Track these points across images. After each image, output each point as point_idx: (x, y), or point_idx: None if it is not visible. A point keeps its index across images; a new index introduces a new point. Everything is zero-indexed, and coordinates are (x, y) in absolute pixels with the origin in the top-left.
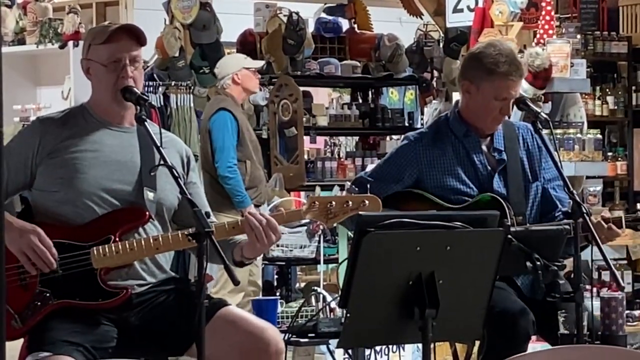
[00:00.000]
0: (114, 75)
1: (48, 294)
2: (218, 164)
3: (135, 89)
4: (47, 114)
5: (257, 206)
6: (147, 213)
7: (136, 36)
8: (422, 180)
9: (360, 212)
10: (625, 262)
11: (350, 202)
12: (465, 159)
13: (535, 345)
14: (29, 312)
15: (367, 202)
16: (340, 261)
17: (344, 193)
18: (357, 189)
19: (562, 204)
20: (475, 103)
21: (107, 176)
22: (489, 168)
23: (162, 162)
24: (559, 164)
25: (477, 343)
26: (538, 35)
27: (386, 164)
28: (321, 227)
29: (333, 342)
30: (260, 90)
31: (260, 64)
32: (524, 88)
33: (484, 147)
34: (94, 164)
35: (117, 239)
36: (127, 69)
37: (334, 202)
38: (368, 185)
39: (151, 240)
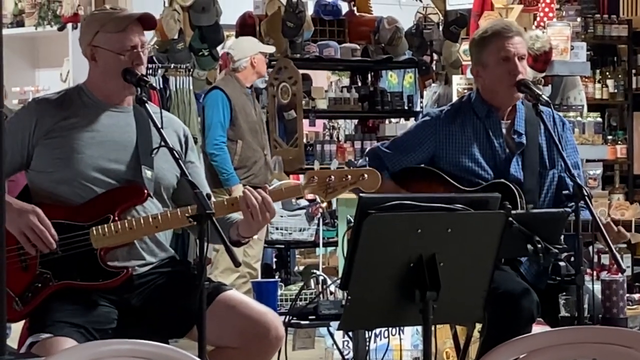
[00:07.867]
0: (127, 63)
1: (48, 275)
2: (206, 140)
3: (136, 71)
4: (43, 95)
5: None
6: (146, 191)
7: (148, 24)
8: (438, 157)
9: (361, 195)
10: (624, 245)
11: (349, 176)
12: (485, 141)
13: (537, 329)
14: (29, 294)
15: (366, 175)
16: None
17: (359, 163)
18: (369, 160)
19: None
20: (486, 81)
21: (104, 156)
22: (507, 151)
23: (162, 144)
24: (559, 146)
25: (478, 326)
26: (538, 18)
27: (404, 137)
28: (320, 210)
29: (334, 325)
30: None
31: (272, 49)
32: None
33: (503, 130)
34: (91, 143)
35: (117, 218)
36: (141, 56)
37: (332, 177)
38: (366, 159)
39: (150, 219)
